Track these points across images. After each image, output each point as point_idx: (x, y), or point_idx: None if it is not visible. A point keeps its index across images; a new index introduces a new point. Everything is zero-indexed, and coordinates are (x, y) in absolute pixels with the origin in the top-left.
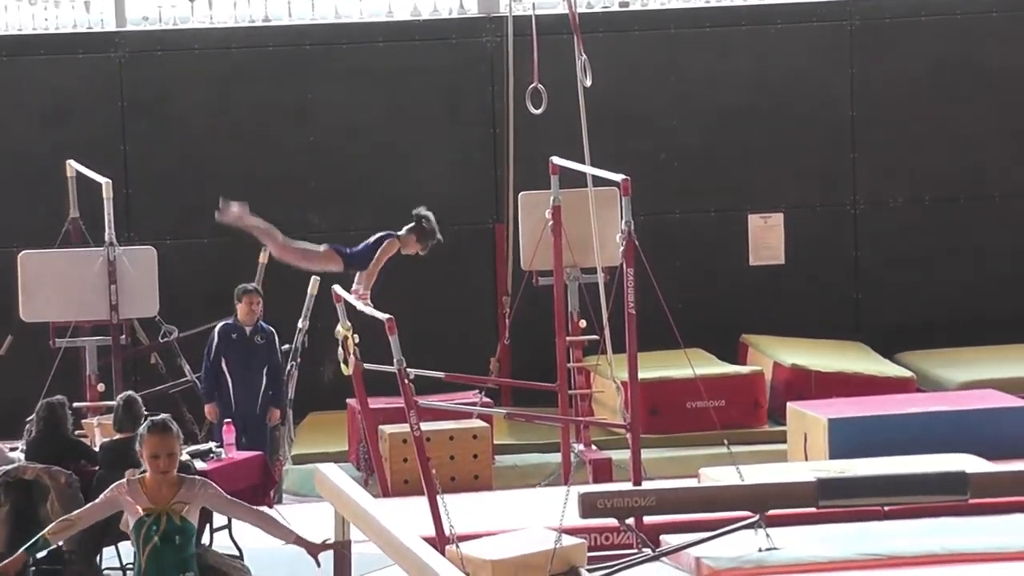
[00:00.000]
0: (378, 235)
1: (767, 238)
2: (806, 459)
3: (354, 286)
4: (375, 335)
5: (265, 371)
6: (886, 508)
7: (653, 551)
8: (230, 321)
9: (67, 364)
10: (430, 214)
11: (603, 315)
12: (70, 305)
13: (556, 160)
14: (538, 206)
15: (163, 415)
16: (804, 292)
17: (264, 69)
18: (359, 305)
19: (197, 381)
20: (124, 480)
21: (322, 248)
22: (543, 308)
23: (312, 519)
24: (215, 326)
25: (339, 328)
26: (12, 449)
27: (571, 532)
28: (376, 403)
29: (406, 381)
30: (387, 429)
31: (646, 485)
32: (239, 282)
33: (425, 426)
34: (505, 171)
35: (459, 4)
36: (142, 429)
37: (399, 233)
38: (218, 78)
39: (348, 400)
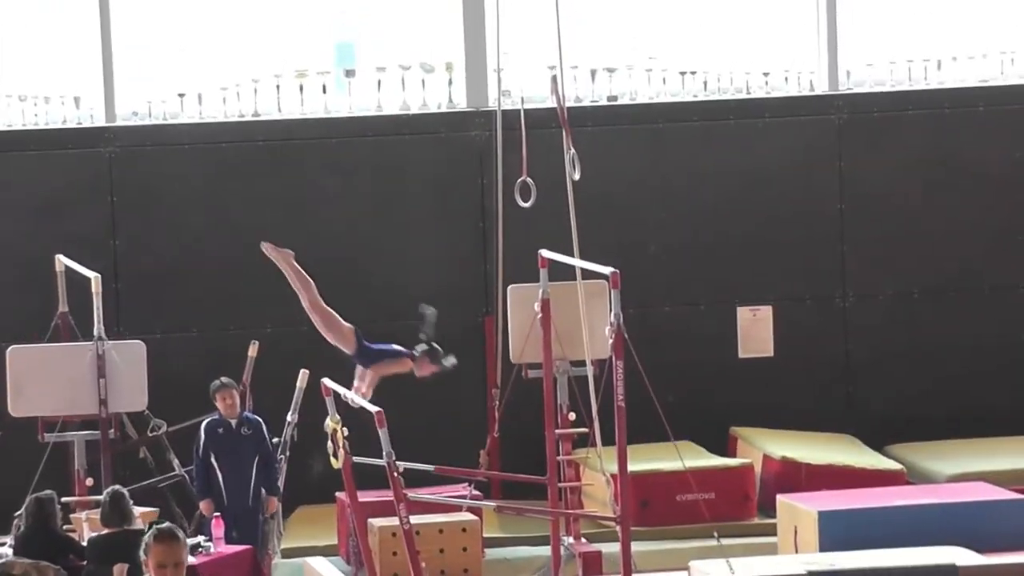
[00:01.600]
0: (398, 348)
1: (756, 331)
2: (796, 552)
3: (356, 383)
4: (364, 428)
5: (256, 462)
6: None
7: None
8: (215, 416)
9: (56, 459)
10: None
11: (592, 408)
12: (59, 400)
13: (545, 253)
14: (527, 299)
15: (168, 523)
16: (794, 385)
17: (254, 164)
18: (349, 398)
19: (186, 475)
20: None
21: (348, 326)
22: (533, 401)
23: None
24: (201, 422)
25: (328, 421)
26: (0, 544)
27: None
28: (365, 496)
29: (395, 474)
30: (376, 522)
31: None
32: (229, 376)
33: (415, 519)
34: (494, 264)
35: (448, 98)
36: (147, 538)
37: (415, 353)
38: (208, 173)
39: (337, 493)
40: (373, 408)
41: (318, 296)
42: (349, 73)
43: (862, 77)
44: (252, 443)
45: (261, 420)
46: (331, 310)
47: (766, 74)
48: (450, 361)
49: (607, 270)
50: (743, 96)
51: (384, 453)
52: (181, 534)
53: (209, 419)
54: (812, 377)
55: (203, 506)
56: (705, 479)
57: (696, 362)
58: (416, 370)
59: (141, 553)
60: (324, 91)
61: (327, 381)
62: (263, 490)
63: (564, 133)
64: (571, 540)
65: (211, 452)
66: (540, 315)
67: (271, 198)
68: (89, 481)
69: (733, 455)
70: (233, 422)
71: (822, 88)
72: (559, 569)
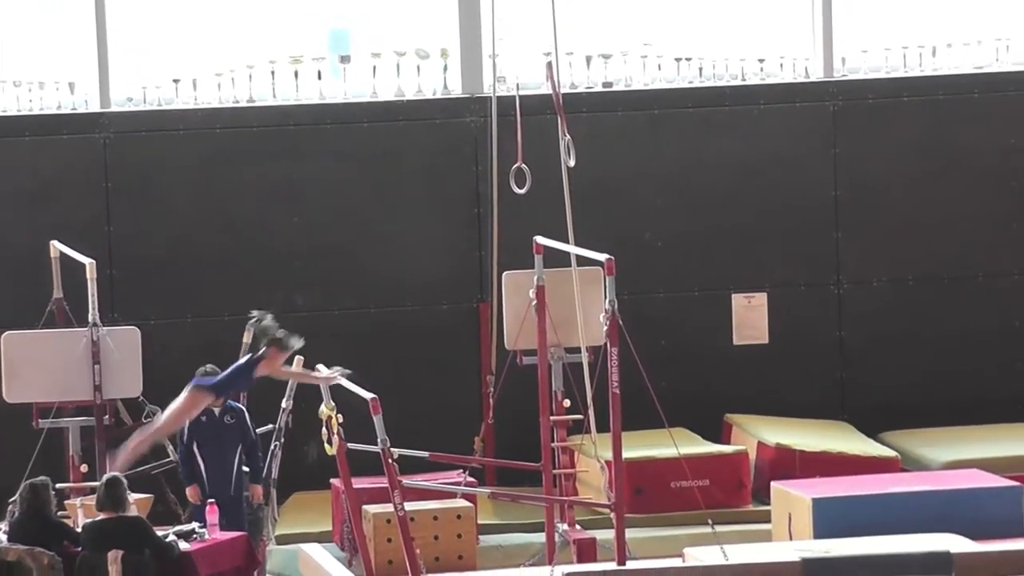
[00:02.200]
0: (242, 360)
1: (751, 318)
2: (791, 539)
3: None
4: (359, 415)
5: (239, 450)
6: None
7: None
8: None
9: (50, 445)
10: (263, 318)
11: (587, 394)
12: (54, 386)
13: (540, 240)
14: (522, 286)
15: None
16: (788, 372)
17: (248, 150)
18: (344, 382)
19: (181, 462)
20: None
21: (185, 394)
22: (527, 387)
23: None
24: None
25: (323, 408)
26: None
27: None
28: (360, 483)
29: (390, 461)
30: (371, 509)
31: (630, 565)
32: (222, 362)
33: (409, 506)
34: (489, 251)
35: (443, 85)
36: None
37: (260, 353)
38: (202, 159)
39: (332, 480)
40: (368, 395)
41: (161, 426)
42: (344, 59)
43: (857, 64)
44: (235, 432)
45: (244, 409)
46: (171, 408)
47: (761, 61)
48: (296, 341)
49: (602, 257)
50: (738, 83)
51: (379, 440)
52: None
53: None
54: (806, 364)
55: (190, 492)
56: (699, 466)
57: (691, 349)
58: (270, 365)
59: None
60: (319, 77)
61: (322, 368)
62: (247, 479)
63: (559, 119)
64: (566, 527)
65: (194, 440)
66: (535, 302)
67: (266, 184)
68: (83, 467)
69: (727, 442)
70: (216, 411)
71: (817, 75)
72: (554, 556)
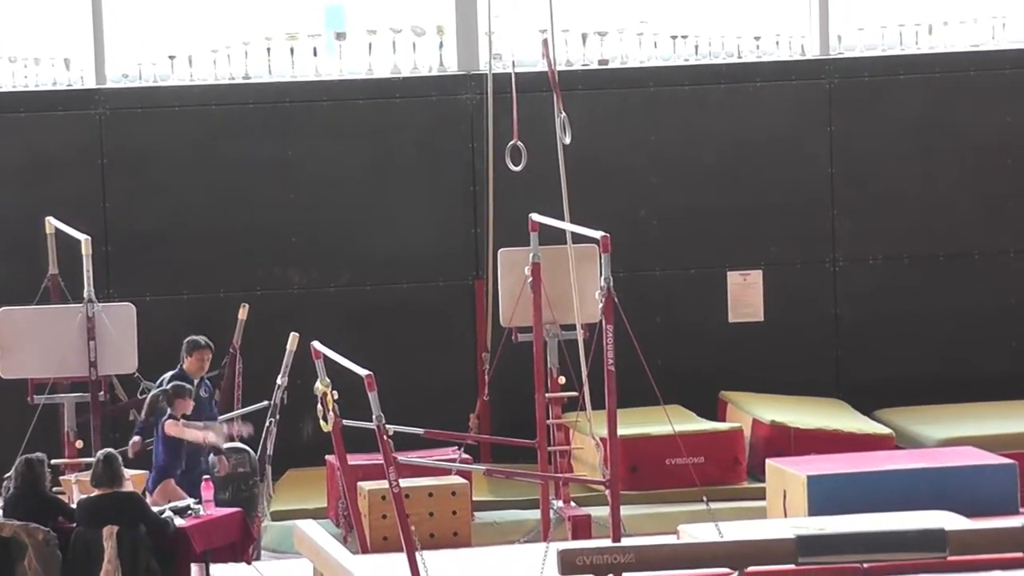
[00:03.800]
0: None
1: (746, 295)
2: (785, 516)
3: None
4: (354, 391)
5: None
6: (865, 565)
7: None
8: (175, 372)
9: (46, 421)
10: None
11: (582, 372)
12: (49, 362)
13: (536, 217)
14: (518, 263)
15: None
16: (783, 349)
17: (245, 126)
18: (342, 361)
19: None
20: None
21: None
22: (523, 365)
23: None
24: (161, 380)
25: (318, 384)
26: None
27: None
28: (355, 459)
29: (385, 437)
30: (366, 486)
31: (625, 542)
32: (219, 338)
33: (404, 482)
34: (485, 228)
35: (439, 62)
36: None
37: (166, 418)
38: (198, 135)
39: (327, 456)
40: (363, 371)
41: None
42: (340, 36)
43: (853, 42)
44: (209, 404)
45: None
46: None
47: (757, 38)
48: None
49: (597, 234)
50: (734, 60)
51: (374, 416)
52: None
53: (170, 375)
54: (802, 342)
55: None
56: (694, 443)
57: (686, 327)
58: (176, 417)
59: None
60: (315, 54)
61: (317, 344)
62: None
63: (555, 97)
64: (560, 504)
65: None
66: (530, 279)
67: (261, 161)
68: (79, 443)
69: (723, 419)
70: (195, 381)
71: (813, 52)
72: (548, 533)
